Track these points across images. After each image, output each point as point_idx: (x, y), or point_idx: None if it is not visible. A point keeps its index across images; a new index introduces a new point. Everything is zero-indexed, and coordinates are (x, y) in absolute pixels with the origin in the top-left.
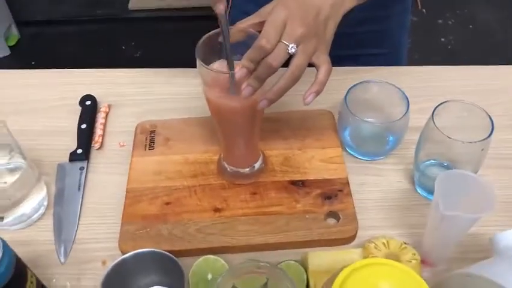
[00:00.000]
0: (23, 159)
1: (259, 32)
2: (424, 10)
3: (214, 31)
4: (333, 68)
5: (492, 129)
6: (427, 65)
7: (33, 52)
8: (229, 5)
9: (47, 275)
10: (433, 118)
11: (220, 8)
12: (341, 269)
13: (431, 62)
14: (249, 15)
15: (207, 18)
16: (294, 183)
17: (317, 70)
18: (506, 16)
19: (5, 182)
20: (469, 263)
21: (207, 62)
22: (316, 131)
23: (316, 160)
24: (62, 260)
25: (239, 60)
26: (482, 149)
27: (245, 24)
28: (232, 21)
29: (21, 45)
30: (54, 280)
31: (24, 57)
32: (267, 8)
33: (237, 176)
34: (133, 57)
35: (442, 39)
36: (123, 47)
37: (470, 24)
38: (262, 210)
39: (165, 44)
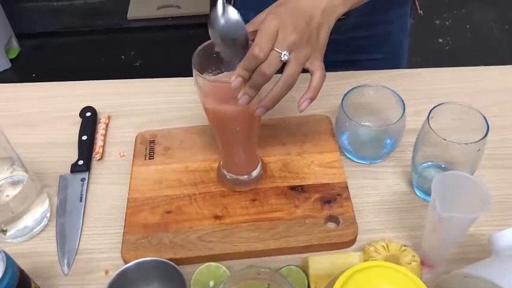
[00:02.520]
0: (25, 172)
1: (253, 41)
2: (421, 11)
3: (209, 41)
4: (329, 72)
5: (487, 130)
6: (425, 66)
7: (34, 64)
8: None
9: (51, 287)
10: (428, 121)
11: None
12: (341, 273)
13: (429, 63)
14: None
15: (205, 26)
16: (293, 188)
17: (311, 76)
18: (503, 16)
19: (7, 196)
20: (468, 264)
21: (203, 71)
22: (314, 136)
23: (315, 165)
24: (65, 271)
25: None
26: (479, 150)
27: None
28: None
29: (21, 57)
30: None
31: (25, 69)
32: (260, 16)
33: (237, 183)
34: (133, 67)
35: (440, 40)
36: (123, 57)
37: (467, 24)
38: (263, 216)
39: (165, 53)
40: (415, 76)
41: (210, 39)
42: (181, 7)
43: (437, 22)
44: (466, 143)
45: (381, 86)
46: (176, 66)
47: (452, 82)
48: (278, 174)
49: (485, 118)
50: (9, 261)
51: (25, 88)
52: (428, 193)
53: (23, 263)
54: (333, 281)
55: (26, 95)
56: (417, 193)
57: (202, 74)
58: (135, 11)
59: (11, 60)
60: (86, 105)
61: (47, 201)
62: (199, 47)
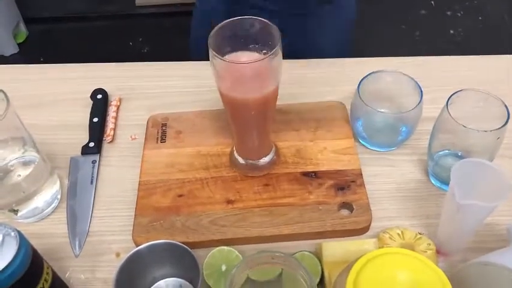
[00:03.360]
0: (36, 153)
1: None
2: (432, 2)
3: (227, 21)
4: (343, 59)
5: (508, 117)
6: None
7: (42, 49)
8: None
9: (62, 268)
10: (447, 107)
11: None
12: (357, 259)
13: (440, 54)
14: None
15: None
16: (306, 174)
17: None
18: None
19: (19, 175)
20: (485, 253)
21: (220, 52)
22: (327, 123)
23: (329, 151)
24: (77, 253)
25: (255, 50)
26: (498, 138)
27: None
28: None
29: (29, 42)
30: (68, 272)
31: (32, 54)
32: None
33: (250, 168)
34: (141, 53)
35: (451, 31)
36: (131, 43)
37: (479, 15)
38: (275, 201)
39: (173, 39)
40: (430, 64)
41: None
42: None
43: (448, 13)
44: (485, 131)
45: (398, 72)
46: (184, 53)
47: (467, 70)
48: (291, 160)
49: (505, 105)
50: (23, 240)
51: (37, 70)
52: (444, 181)
53: (34, 244)
54: (349, 267)
55: (38, 76)
56: (432, 181)
57: (218, 55)
58: None
59: (19, 45)
60: (97, 88)
61: (58, 183)
62: (216, 27)
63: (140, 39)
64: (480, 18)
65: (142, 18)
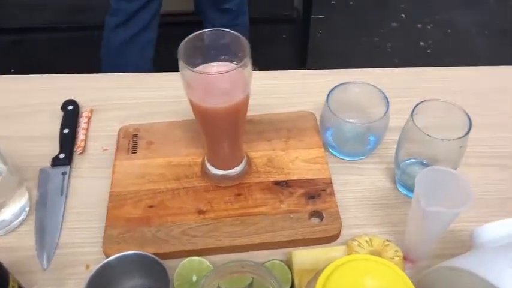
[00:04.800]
0: (4, 165)
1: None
2: (403, 15)
3: (196, 33)
4: (314, 70)
5: (470, 126)
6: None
7: (13, 60)
8: None
9: (29, 281)
10: (412, 117)
11: None
12: (325, 266)
13: (411, 65)
14: None
15: (188, 24)
16: (277, 183)
17: None
18: (483, 21)
19: None
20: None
21: (191, 63)
22: (299, 133)
23: (300, 161)
24: (45, 266)
25: (225, 61)
26: (461, 147)
27: None
28: None
29: None
30: (36, 286)
31: (2, 65)
32: None
33: (221, 178)
34: None
35: (422, 43)
36: None
37: (448, 28)
38: (247, 211)
39: None
40: (398, 75)
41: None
42: (163, 5)
43: (419, 26)
44: (448, 140)
45: (365, 83)
46: (159, 64)
47: (434, 82)
48: (263, 169)
49: (467, 115)
50: None
51: (6, 80)
52: (411, 189)
53: (0, 257)
54: (317, 275)
55: (8, 87)
56: (400, 189)
57: (188, 66)
58: None
59: None
60: (67, 99)
61: (27, 195)
62: (186, 38)
63: None
64: (449, 31)
65: None
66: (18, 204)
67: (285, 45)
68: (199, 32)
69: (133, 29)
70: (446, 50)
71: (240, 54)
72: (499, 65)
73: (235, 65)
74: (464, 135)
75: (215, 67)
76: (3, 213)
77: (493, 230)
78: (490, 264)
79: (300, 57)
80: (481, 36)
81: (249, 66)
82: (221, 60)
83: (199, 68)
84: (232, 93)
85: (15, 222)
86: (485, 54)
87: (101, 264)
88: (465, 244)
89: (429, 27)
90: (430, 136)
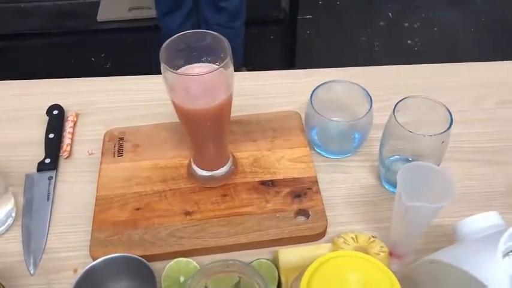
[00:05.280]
0: None
1: None
2: (390, 14)
3: (178, 34)
4: (298, 70)
5: (451, 122)
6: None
7: (1, 66)
8: None
9: (17, 287)
10: (394, 114)
11: None
12: (310, 263)
13: (399, 63)
14: None
15: None
16: (264, 183)
17: None
18: (469, 19)
19: None
20: None
21: (172, 65)
22: (284, 132)
23: (285, 160)
24: (32, 271)
25: (207, 62)
26: (443, 142)
27: None
28: None
29: None
30: None
31: None
32: None
33: (207, 179)
34: (104, 69)
35: (409, 42)
36: (93, 59)
37: (434, 27)
38: (234, 211)
39: (135, 55)
40: (383, 73)
41: None
42: (153, 8)
43: (406, 25)
44: (430, 135)
45: (348, 82)
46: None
47: (418, 78)
48: (249, 170)
49: (448, 111)
50: None
51: None
52: (395, 186)
53: None
54: (303, 271)
55: None
56: (385, 186)
57: (170, 68)
58: (106, 13)
59: None
60: (53, 103)
61: (12, 201)
62: (168, 40)
63: (102, 55)
64: (436, 29)
65: (104, 34)
66: (4, 210)
67: (273, 46)
68: (181, 33)
69: None
70: (434, 48)
71: (222, 55)
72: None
73: (216, 66)
74: (445, 131)
75: (197, 68)
76: None
77: (475, 223)
78: (470, 257)
79: (289, 58)
80: (468, 34)
81: (231, 67)
82: (203, 62)
83: (181, 70)
84: (214, 94)
85: (1, 228)
86: (472, 51)
87: (87, 267)
88: (450, 238)
89: (416, 25)
90: (411, 132)
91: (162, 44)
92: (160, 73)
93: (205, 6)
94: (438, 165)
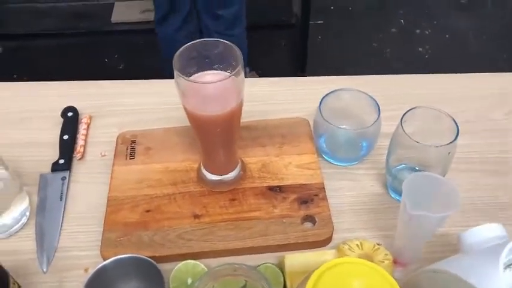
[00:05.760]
0: (5, 170)
1: None
2: (402, 21)
3: (191, 42)
4: (308, 77)
5: (457, 133)
6: (406, 73)
7: (15, 66)
8: None
9: (30, 284)
10: (401, 124)
11: None
12: (315, 269)
13: (410, 71)
14: None
15: None
16: (271, 189)
17: None
18: (480, 26)
19: None
20: None
21: (185, 72)
22: (292, 139)
23: (293, 166)
24: (44, 269)
25: (219, 70)
26: (449, 153)
27: None
28: None
29: (2, 59)
30: None
31: (5, 70)
32: None
33: (217, 183)
34: (117, 70)
35: (420, 49)
36: (106, 60)
37: (446, 34)
38: (241, 215)
39: (148, 57)
40: (393, 82)
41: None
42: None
43: (417, 31)
44: (436, 146)
45: (356, 90)
46: (160, 70)
47: (427, 88)
48: (257, 175)
49: (455, 122)
50: None
51: (8, 87)
52: (401, 194)
53: (1, 260)
54: (307, 277)
55: (8, 94)
56: (391, 194)
57: (183, 75)
58: (119, 15)
59: None
60: (67, 105)
61: (27, 200)
62: (181, 48)
63: (116, 56)
64: (447, 36)
65: (118, 35)
66: (19, 209)
67: (284, 51)
68: (193, 42)
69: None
70: (445, 55)
71: (233, 63)
72: (497, 70)
73: (228, 74)
74: (451, 142)
75: (209, 76)
76: (4, 218)
77: (479, 234)
78: (473, 268)
79: (300, 63)
80: (479, 41)
81: (242, 75)
82: (215, 69)
83: (193, 77)
84: (225, 101)
85: (16, 227)
86: (483, 59)
87: (97, 267)
88: (455, 248)
89: (427, 32)
90: (418, 142)
91: (159, 50)
92: (167, 77)
93: (204, 15)
94: (444, 175)
